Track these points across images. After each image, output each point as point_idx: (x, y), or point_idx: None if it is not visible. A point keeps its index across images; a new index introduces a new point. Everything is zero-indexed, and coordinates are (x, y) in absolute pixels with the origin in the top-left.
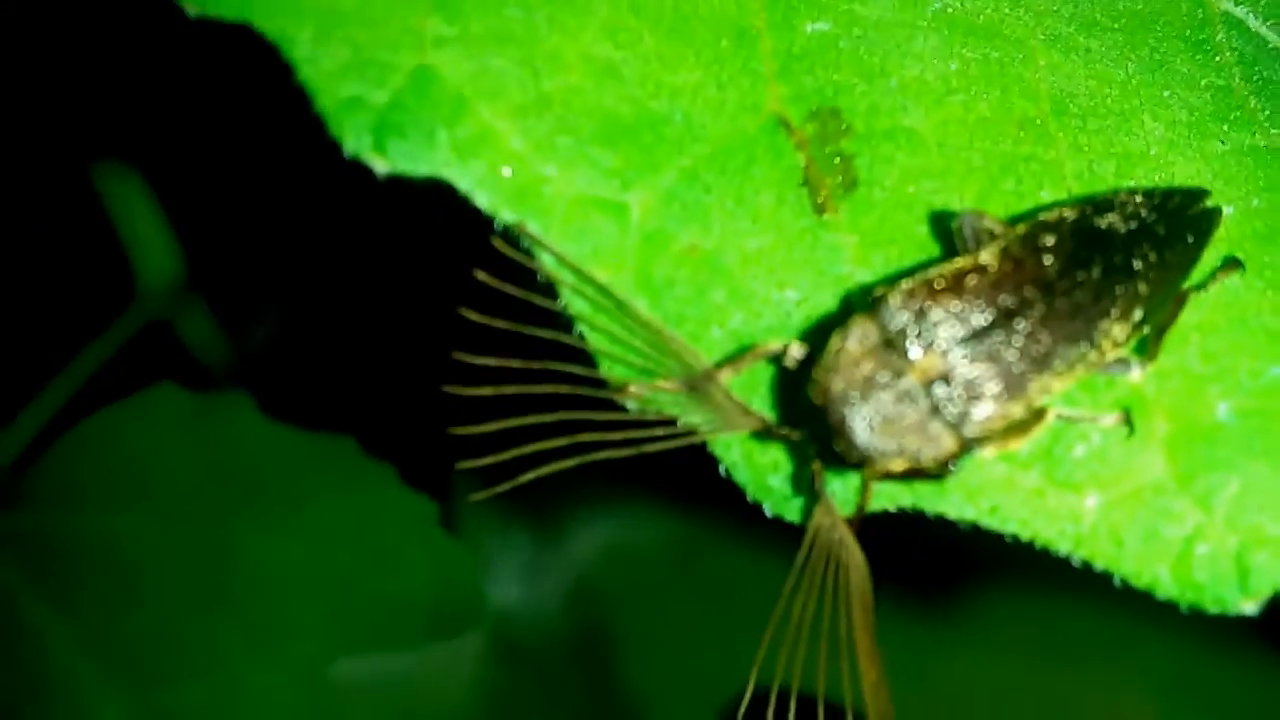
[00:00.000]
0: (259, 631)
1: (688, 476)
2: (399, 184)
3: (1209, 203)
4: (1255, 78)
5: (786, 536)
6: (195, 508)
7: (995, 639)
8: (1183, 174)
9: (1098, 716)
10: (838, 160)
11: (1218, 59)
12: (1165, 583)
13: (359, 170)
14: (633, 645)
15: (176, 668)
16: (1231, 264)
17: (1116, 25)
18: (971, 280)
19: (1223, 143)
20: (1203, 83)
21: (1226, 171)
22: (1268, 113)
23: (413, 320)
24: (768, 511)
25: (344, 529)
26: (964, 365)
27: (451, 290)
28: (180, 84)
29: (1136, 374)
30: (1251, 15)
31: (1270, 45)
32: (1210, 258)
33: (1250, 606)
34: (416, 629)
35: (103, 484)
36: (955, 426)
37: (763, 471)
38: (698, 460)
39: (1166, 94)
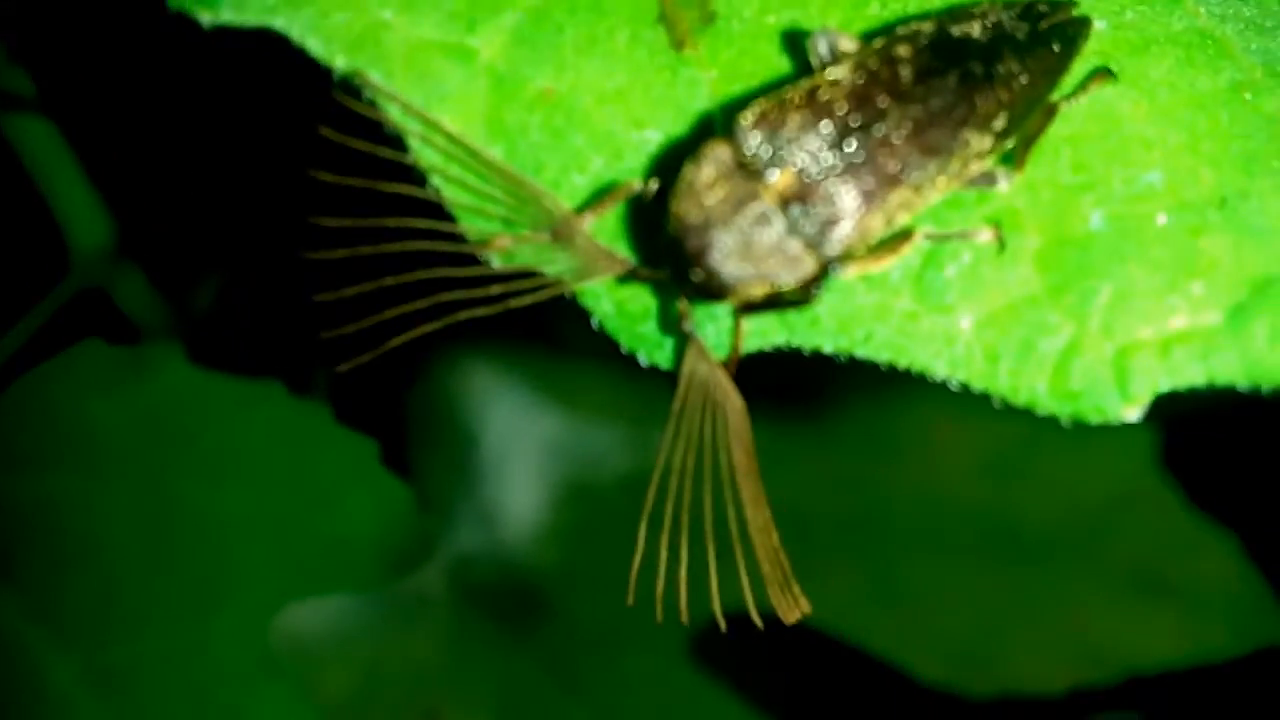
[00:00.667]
0: (205, 583)
1: (641, 414)
2: None
3: (1076, 12)
4: None
5: None
6: (130, 462)
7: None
8: None
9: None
10: None
11: None
12: (1043, 397)
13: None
14: (597, 581)
15: (124, 625)
16: (1103, 74)
17: None
18: (824, 95)
19: None
20: None
21: None
22: None
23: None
24: (642, 361)
25: (282, 473)
26: (819, 182)
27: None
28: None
29: (1004, 185)
30: None
31: None
32: (1082, 71)
33: (1133, 413)
34: (364, 569)
35: (33, 446)
36: (815, 246)
37: (634, 320)
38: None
39: None
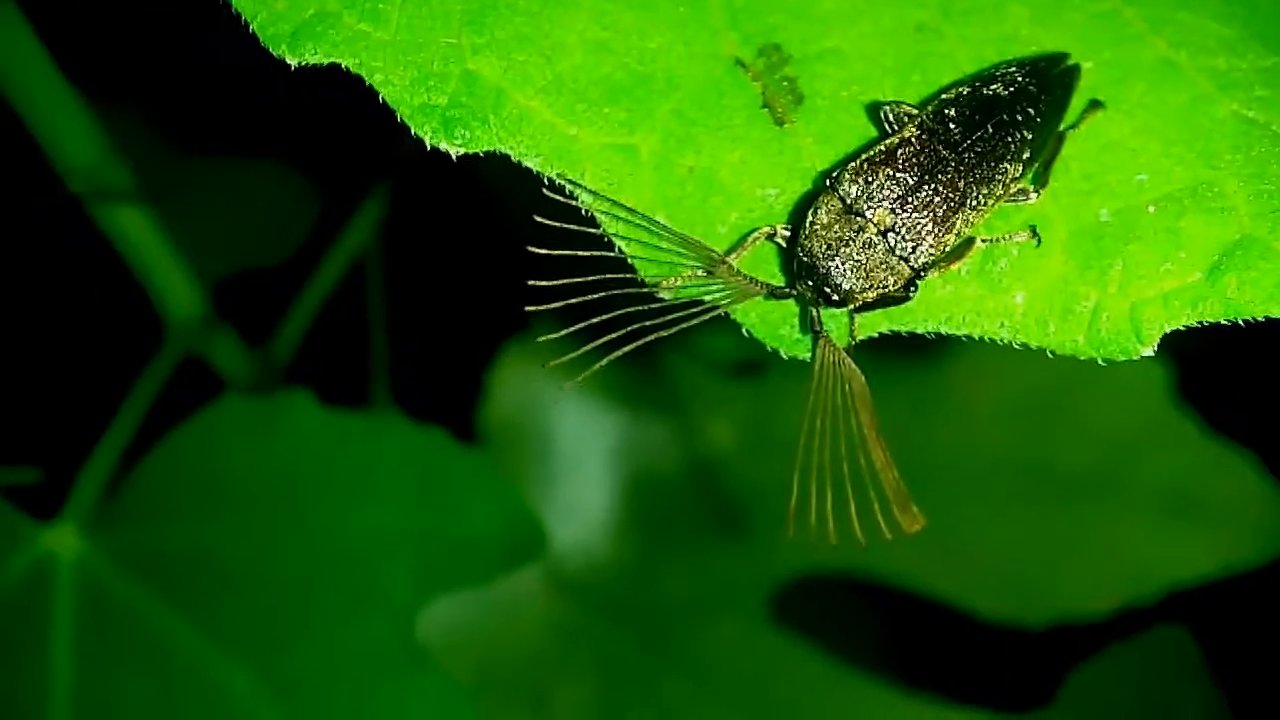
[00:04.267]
0: (353, 593)
1: (692, 409)
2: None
3: (1069, 62)
4: None
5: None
6: (279, 496)
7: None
8: (1050, 43)
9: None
10: (785, 83)
11: None
12: (1083, 346)
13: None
14: (675, 560)
15: (289, 636)
16: (1094, 105)
17: None
18: (899, 152)
19: (1078, 13)
20: None
21: (1084, 35)
22: None
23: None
24: (784, 354)
25: (411, 490)
26: (905, 215)
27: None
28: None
29: (1034, 199)
30: None
31: None
32: (1079, 103)
33: (1148, 350)
34: (489, 564)
35: (191, 493)
36: (906, 259)
37: (774, 325)
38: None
39: None
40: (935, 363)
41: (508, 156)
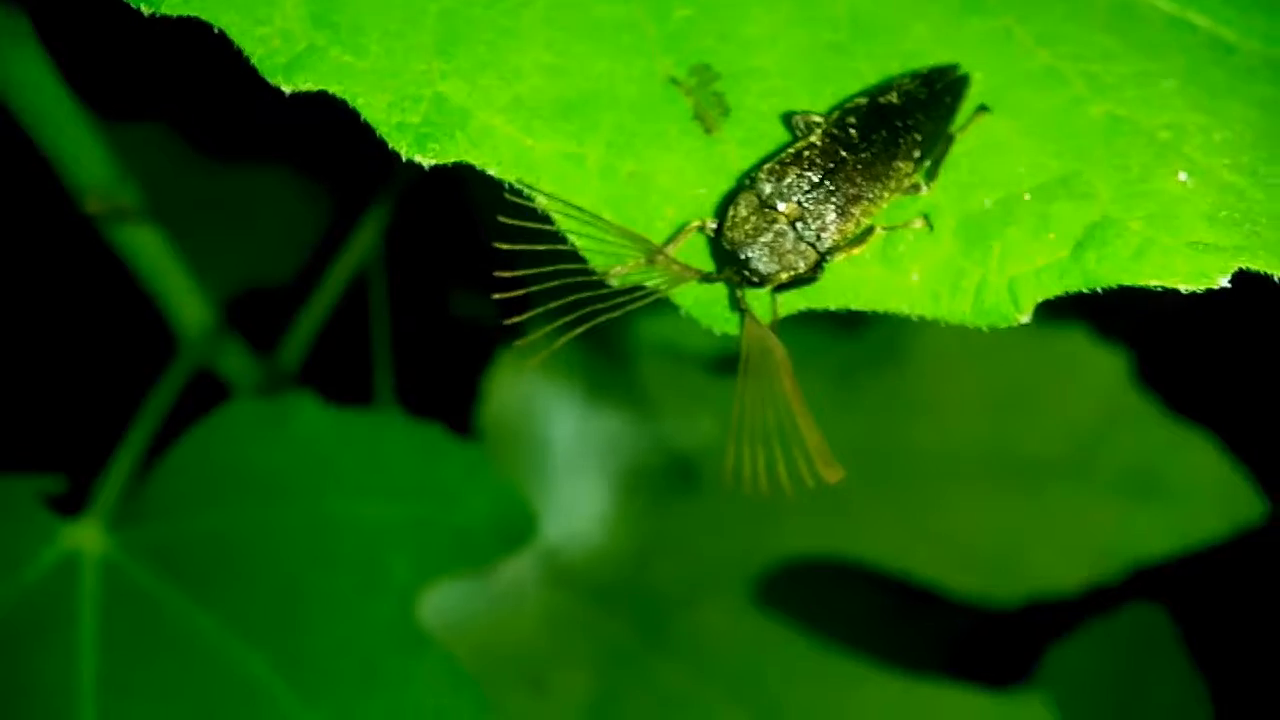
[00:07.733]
0: (363, 577)
1: (674, 415)
2: None
3: (959, 73)
4: None
5: None
6: (288, 490)
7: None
8: (947, 56)
9: (1031, 411)
10: (714, 97)
11: None
12: (969, 315)
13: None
14: (668, 551)
15: (303, 619)
16: (981, 109)
17: None
18: (806, 154)
19: (973, 30)
20: None
21: (977, 50)
22: (1000, 2)
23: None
24: (716, 331)
25: (412, 482)
26: (811, 207)
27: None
28: None
29: (925, 190)
30: None
31: None
32: (970, 107)
33: (1025, 317)
34: (484, 549)
35: (205, 489)
36: (813, 245)
37: (708, 306)
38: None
39: (927, 2)
40: (905, 359)
41: (473, 166)
